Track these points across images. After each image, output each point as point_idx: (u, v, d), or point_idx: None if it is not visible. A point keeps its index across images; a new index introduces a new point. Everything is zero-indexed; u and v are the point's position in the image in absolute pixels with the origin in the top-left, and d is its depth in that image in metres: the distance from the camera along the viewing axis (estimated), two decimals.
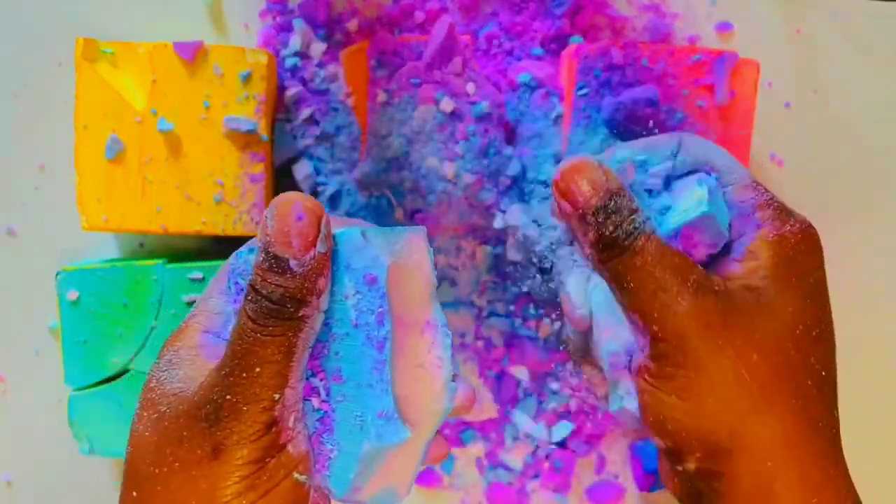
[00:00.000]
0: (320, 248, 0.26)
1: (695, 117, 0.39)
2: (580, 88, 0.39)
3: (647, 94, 0.38)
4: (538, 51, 0.42)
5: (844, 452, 0.30)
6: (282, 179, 0.42)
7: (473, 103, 0.39)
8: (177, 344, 0.29)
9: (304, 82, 0.41)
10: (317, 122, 0.41)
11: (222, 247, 0.43)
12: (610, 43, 0.39)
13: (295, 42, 0.41)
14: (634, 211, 0.31)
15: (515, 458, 0.44)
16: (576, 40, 0.42)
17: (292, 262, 0.26)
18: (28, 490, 0.44)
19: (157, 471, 0.27)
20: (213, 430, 0.26)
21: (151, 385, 0.29)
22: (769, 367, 0.28)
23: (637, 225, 0.30)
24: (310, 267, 0.26)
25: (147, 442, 0.27)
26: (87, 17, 0.42)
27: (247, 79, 0.38)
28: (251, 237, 0.40)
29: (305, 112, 0.41)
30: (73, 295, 0.39)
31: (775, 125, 0.44)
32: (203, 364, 0.28)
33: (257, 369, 0.26)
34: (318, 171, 0.41)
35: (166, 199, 0.39)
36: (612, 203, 0.30)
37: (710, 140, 0.35)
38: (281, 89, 0.41)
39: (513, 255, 0.41)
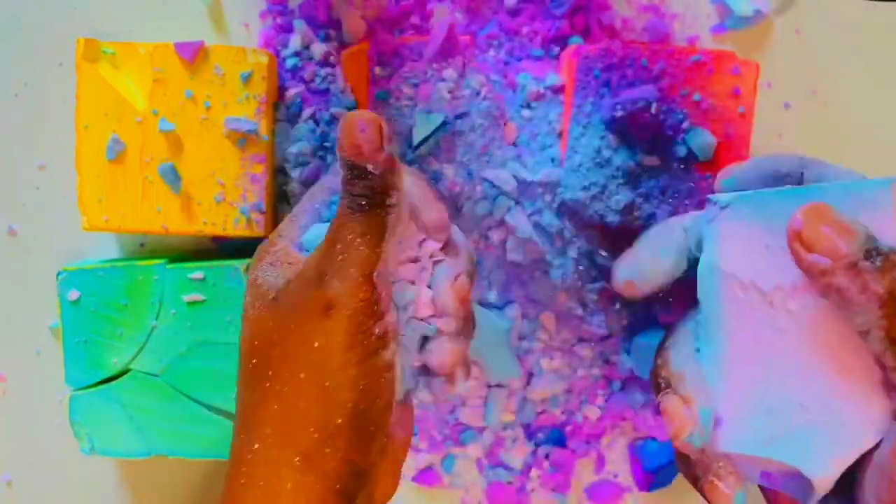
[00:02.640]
0: (387, 149, 0.30)
1: (694, 118, 0.39)
2: (579, 89, 0.39)
3: (647, 95, 0.38)
4: (538, 51, 0.42)
5: None
6: (281, 179, 0.42)
7: (473, 104, 0.40)
8: (273, 248, 0.33)
9: (304, 82, 0.41)
10: (317, 122, 0.41)
11: (223, 247, 0.43)
12: (609, 43, 0.39)
13: (295, 42, 0.41)
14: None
15: (515, 457, 0.44)
16: (575, 40, 0.42)
17: (369, 166, 0.29)
18: (28, 490, 0.44)
19: (276, 337, 0.30)
20: (322, 290, 0.29)
21: (258, 282, 0.31)
22: None
23: None
24: (384, 166, 0.29)
25: (264, 319, 0.30)
26: (88, 17, 0.42)
27: (247, 79, 0.39)
28: (252, 237, 0.40)
29: (306, 112, 0.41)
30: (73, 295, 0.39)
31: (775, 125, 0.44)
32: (302, 259, 0.32)
33: (357, 240, 0.29)
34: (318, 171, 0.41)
35: (167, 200, 0.39)
36: (875, 242, 0.27)
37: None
38: (281, 89, 0.41)
39: (513, 255, 0.41)
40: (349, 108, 0.40)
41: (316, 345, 0.29)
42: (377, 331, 0.29)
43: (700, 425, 0.30)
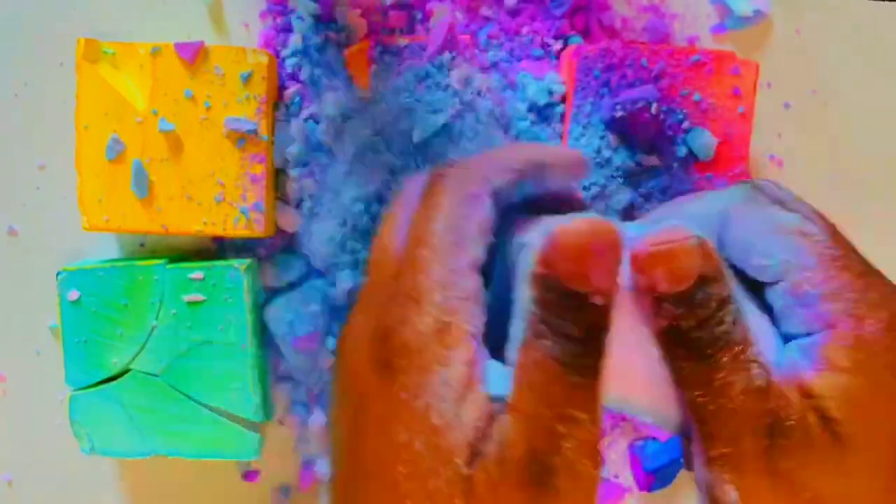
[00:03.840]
0: (614, 278, 0.22)
1: (694, 118, 0.39)
2: (579, 89, 0.39)
3: (647, 95, 0.38)
4: (538, 51, 0.42)
5: None
6: (281, 179, 0.42)
7: (474, 103, 0.40)
8: (447, 353, 0.22)
9: (304, 82, 0.41)
10: (317, 122, 0.41)
11: (222, 247, 0.43)
12: (609, 43, 0.39)
13: (295, 42, 0.41)
14: (724, 303, 0.22)
15: None
16: (575, 40, 0.42)
17: (596, 299, 0.21)
18: (28, 490, 0.44)
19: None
20: (547, 497, 0.21)
21: (440, 429, 0.21)
22: None
23: (727, 328, 0.22)
24: (608, 298, 0.21)
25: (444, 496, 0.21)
26: (88, 17, 0.42)
27: (247, 79, 0.39)
28: (252, 237, 0.40)
29: (306, 112, 0.41)
30: (73, 295, 0.39)
31: (775, 125, 0.44)
32: (481, 395, 0.22)
33: (575, 432, 0.21)
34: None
35: (167, 200, 0.39)
36: (701, 292, 0.22)
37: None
38: (281, 89, 0.41)
39: (513, 255, 0.41)
40: (351, 107, 0.40)
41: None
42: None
43: None
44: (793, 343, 0.23)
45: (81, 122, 0.39)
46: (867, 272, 0.24)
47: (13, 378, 0.44)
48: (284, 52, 0.42)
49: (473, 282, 0.23)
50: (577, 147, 0.39)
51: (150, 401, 0.39)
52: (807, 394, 0.22)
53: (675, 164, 0.39)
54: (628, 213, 0.39)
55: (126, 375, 0.39)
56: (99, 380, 0.39)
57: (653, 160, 0.39)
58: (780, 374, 0.22)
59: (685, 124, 0.39)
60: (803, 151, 0.44)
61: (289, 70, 0.41)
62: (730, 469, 0.22)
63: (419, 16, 0.42)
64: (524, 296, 0.22)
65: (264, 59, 0.39)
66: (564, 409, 0.21)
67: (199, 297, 0.39)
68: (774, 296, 0.24)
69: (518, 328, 0.22)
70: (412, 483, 0.21)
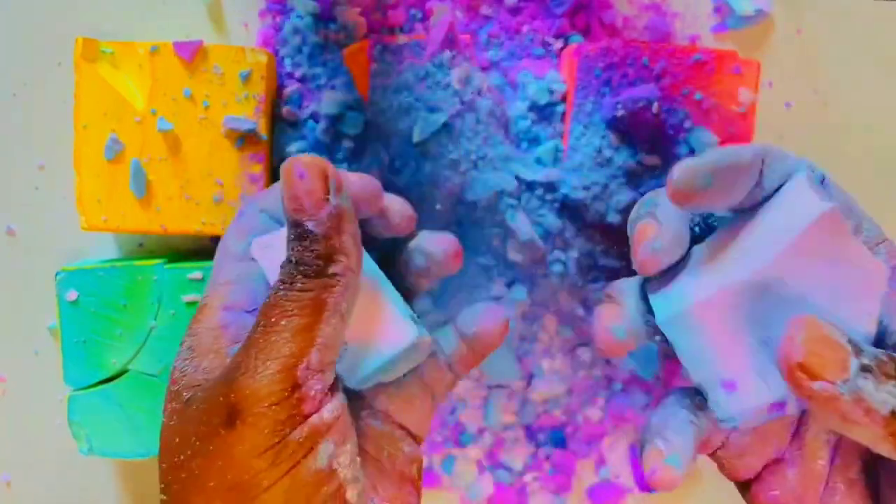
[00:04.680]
0: (333, 200, 0.25)
1: (695, 117, 0.39)
2: (580, 88, 0.39)
3: (648, 94, 0.38)
4: (539, 50, 0.42)
5: None
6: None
7: (474, 103, 0.39)
8: (196, 326, 0.28)
9: (303, 81, 0.41)
10: (316, 121, 0.41)
11: None
12: (610, 42, 0.39)
13: (294, 41, 0.41)
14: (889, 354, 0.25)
15: (515, 458, 0.44)
16: (576, 39, 0.42)
17: (309, 224, 0.25)
18: (28, 490, 0.44)
19: (182, 458, 0.25)
20: (227, 393, 0.24)
21: (175, 377, 0.27)
22: None
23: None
24: (329, 224, 0.25)
25: (171, 431, 0.26)
26: (87, 16, 0.42)
27: (246, 78, 0.38)
28: None
29: (305, 111, 0.41)
30: (72, 295, 0.39)
31: (775, 125, 0.44)
32: (226, 350, 0.27)
33: (283, 322, 0.24)
34: None
35: (166, 200, 0.39)
36: (865, 353, 0.24)
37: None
38: (280, 88, 0.41)
39: (514, 255, 0.41)
40: (352, 107, 0.40)
41: (220, 464, 0.24)
42: (297, 436, 0.24)
43: (630, 320, 0.29)
44: None
45: (80, 121, 0.38)
46: None
47: (12, 378, 0.44)
48: (283, 52, 0.41)
49: (233, 271, 0.29)
50: (578, 146, 0.39)
51: (148, 401, 0.39)
52: None
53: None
54: (628, 213, 0.39)
55: (125, 376, 0.39)
56: (98, 380, 0.39)
57: (654, 160, 0.39)
58: None
59: (686, 124, 0.39)
60: (804, 151, 0.44)
61: (288, 69, 0.41)
62: None
63: (419, 14, 0.42)
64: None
65: (263, 59, 0.39)
66: (272, 316, 0.25)
67: (198, 297, 0.38)
68: None
69: None
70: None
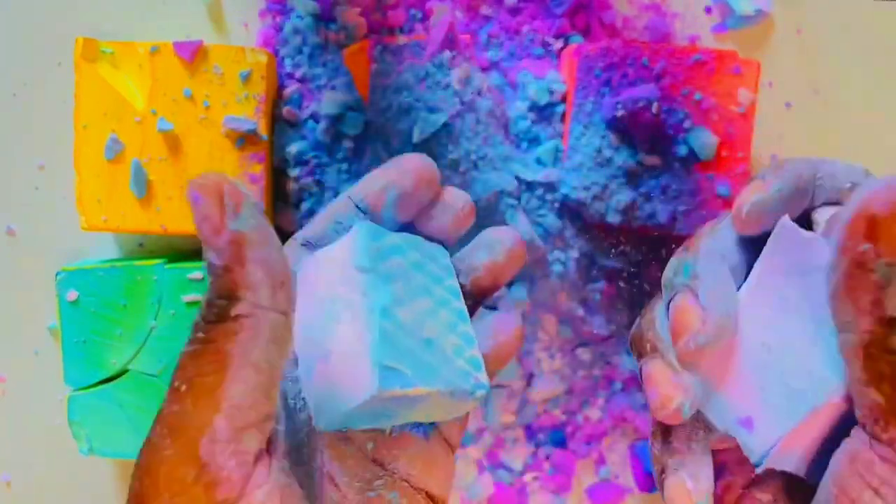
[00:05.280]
0: (232, 226, 0.21)
1: (695, 117, 0.39)
2: (580, 88, 0.39)
3: (648, 94, 0.38)
4: (538, 51, 0.42)
5: None
6: (281, 179, 0.42)
7: (474, 103, 0.39)
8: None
9: (303, 81, 0.41)
10: (316, 122, 0.41)
11: None
12: (610, 42, 0.39)
13: (294, 41, 0.41)
14: None
15: (515, 457, 0.44)
16: (576, 40, 0.42)
17: (209, 255, 0.21)
18: (27, 490, 0.44)
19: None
20: (134, 482, 0.21)
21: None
22: None
23: None
24: (229, 252, 0.21)
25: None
26: (87, 16, 0.42)
27: (246, 78, 0.38)
28: None
29: (305, 111, 0.41)
30: (72, 295, 0.39)
31: (775, 125, 0.44)
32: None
33: (183, 388, 0.21)
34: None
35: (166, 200, 0.39)
36: None
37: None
38: (280, 89, 0.41)
39: None
40: (352, 108, 0.40)
41: None
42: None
43: (691, 392, 0.27)
44: None
45: (80, 121, 0.39)
46: None
47: (12, 378, 0.44)
48: (284, 52, 0.41)
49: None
50: (578, 146, 0.39)
51: (149, 401, 0.39)
52: None
53: (676, 164, 0.39)
54: (629, 213, 0.39)
55: (125, 376, 0.39)
56: (98, 380, 0.39)
57: (654, 160, 0.39)
58: None
59: (686, 124, 0.39)
60: (804, 151, 0.44)
61: (288, 69, 0.41)
62: None
63: (419, 15, 0.42)
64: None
65: (263, 59, 0.39)
66: (176, 382, 0.21)
67: (199, 297, 0.38)
68: None
69: None
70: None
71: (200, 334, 0.21)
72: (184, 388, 0.20)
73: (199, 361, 0.21)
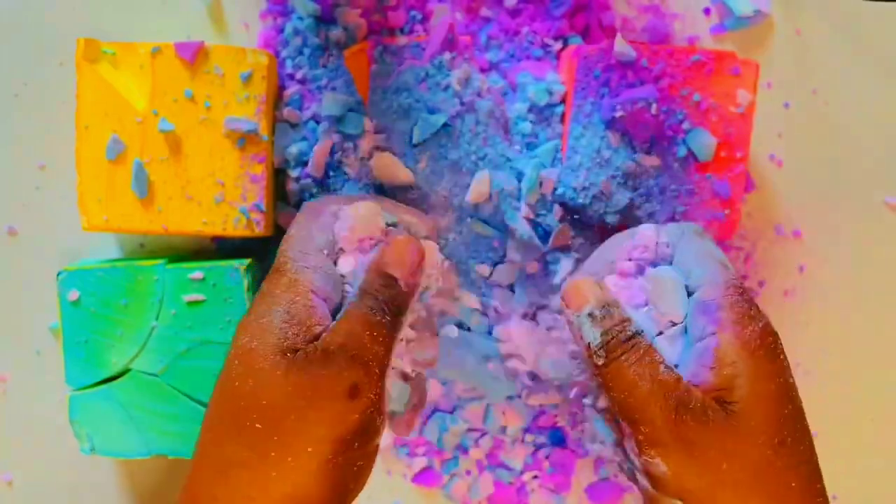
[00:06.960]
0: (419, 278, 0.34)
1: (694, 118, 0.39)
2: (579, 89, 0.39)
3: (647, 95, 0.38)
4: (538, 51, 0.42)
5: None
6: (281, 179, 0.42)
7: (474, 104, 0.40)
8: (296, 298, 0.32)
9: (303, 82, 0.41)
10: (317, 122, 0.41)
11: (222, 247, 0.43)
12: (610, 44, 0.39)
13: (295, 42, 0.41)
14: (626, 320, 0.32)
15: (515, 457, 0.44)
16: (575, 41, 0.42)
17: (402, 284, 0.33)
18: (29, 489, 0.44)
19: (292, 405, 0.29)
20: (348, 372, 0.30)
21: (272, 327, 0.31)
22: (744, 474, 0.30)
23: (629, 334, 0.32)
24: (410, 288, 0.33)
25: (279, 382, 0.30)
26: (88, 17, 0.42)
27: (247, 79, 0.39)
28: (252, 237, 0.40)
29: (306, 112, 0.41)
30: (73, 295, 0.39)
31: (775, 125, 0.44)
32: (315, 329, 0.31)
33: (372, 335, 0.31)
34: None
35: (167, 200, 0.39)
36: (605, 310, 0.33)
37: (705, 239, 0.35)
38: (281, 89, 0.41)
39: (513, 255, 0.41)
40: (352, 109, 0.40)
41: (333, 424, 0.30)
42: (378, 422, 0.31)
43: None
44: (692, 349, 0.32)
45: (81, 122, 0.39)
46: (751, 300, 0.32)
47: (14, 378, 0.44)
48: (284, 52, 0.42)
49: (317, 261, 0.33)
50: (578, 147, 0.39)
51: (150, 401, 0.39)
52: (708, 388, 0.31)
53: (675, 165, 0.39)
54: (628, 213, 0.39)
55: (126, 375, 0.39)
56: (99, 380, 0.39)
57: (653, 160, 0.39)
58: (687, 375, 0.31)
59: (685, 124, 0.39)
60: (803, 151, 0.44)
61: (289, 70, 0.41)
62: (652, 445, 0.30)
63: (419, 16, 0.42)
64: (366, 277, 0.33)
65: (264, 59, 0.39)
66: (370, 334, 0.31)
67: (199, 296, 0.39)
68: (691, 304, 0.33)
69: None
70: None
71: (386, 316, 0.32)
72: (373, 335, 0.31)
73: (383, 329, 0.32)
